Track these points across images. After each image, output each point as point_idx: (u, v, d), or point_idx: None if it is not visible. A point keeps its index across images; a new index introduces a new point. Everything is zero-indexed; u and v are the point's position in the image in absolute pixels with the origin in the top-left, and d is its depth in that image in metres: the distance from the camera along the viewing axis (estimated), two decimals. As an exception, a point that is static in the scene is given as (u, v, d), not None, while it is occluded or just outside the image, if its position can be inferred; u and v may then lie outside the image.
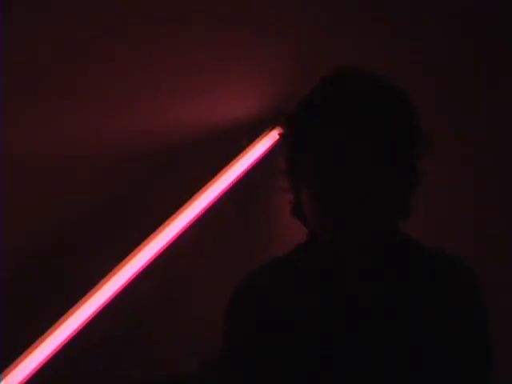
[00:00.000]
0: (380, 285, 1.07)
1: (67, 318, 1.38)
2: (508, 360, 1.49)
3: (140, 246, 1.50)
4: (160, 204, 1.60)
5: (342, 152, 0.99)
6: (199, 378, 1.61)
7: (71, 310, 1.39)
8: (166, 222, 1.55)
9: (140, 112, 1.64)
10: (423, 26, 1.93)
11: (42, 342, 1.34)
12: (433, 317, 1.05)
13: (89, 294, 1.42)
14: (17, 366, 1.30)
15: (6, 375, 1.29)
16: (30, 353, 1.32)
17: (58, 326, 1.36)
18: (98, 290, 1.42)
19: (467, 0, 1.96)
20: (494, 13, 1.98)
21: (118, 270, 1.46)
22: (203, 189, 1.61)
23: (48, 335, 1.35)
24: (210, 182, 1.62)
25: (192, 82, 1.69)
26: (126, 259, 1.48)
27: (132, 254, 1.49)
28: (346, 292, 1.07)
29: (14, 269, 1.48)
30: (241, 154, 1.69)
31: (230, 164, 1.66)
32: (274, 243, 1.79)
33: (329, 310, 1.06)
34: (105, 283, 1.43)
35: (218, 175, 1.64)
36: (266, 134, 1.72)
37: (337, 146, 0.99)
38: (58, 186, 1.55)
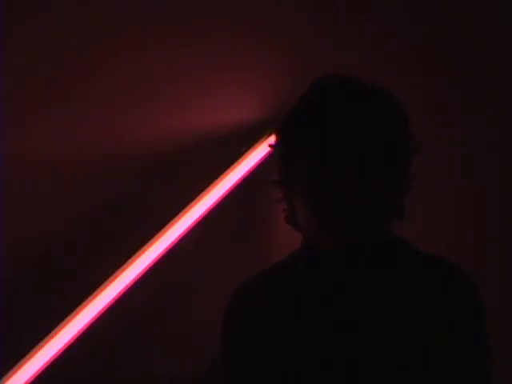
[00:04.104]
0: (379, 288, 1.07)
1: (67, 323, 1.38)
2: (508, 360, 1.49)
3: (138, 253, 1.50)
4: (159, 210, 1.60)
5: (332, 161, 0.99)
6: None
7: (71, 314, 1.39)
8: (165, 228, 1.54)
9: (139, 118, 1.63)
10: (423, 26, 1.93)
11: (41, 347, 1.33)
12: (430, 320, 1.05)
13: (89, 297, 1.42)
14: (15, 372, 1.30)
15: (5, 381, 1.29)
16: (29, 359, 1.31)
17: (58, 331, 1.36)
18: (98, 294, 1.42)
19: (467, 0, 1.96)
20: (494, 12, 1.98)
21: (118, 274, 1.46)
22: (202, 194, 1.61)
23: (47, 340, 1.34)
24: (210, 187, 1.62)
25: (190, 89, 1.69)
26: (125, 264, 1.48)
27: (130, 260, 1.49)
28: (346, 295, 1.07)
29: (14, 270, 1.48)
30: (240, 159, 1.68)
31: (229, 169, 1.66)
32: (271, 249, 1.79)
33: (327, 314, 1.06)
34: (105, 287, 1.43)
35: (217, 180, 1.64)
36: (265, 140, 1.71)
37: (325, 156, 0.99)
38: (58, 187, 1.55)
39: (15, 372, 1.30)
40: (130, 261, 1.48)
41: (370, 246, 1.05)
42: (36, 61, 1.51)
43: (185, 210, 1.58)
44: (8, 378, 1.29)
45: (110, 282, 1.45)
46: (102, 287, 1.44)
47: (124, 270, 1.47)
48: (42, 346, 1.33)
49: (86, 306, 1.41)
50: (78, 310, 1.40)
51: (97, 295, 1.42)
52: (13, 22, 1.47)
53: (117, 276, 1.46)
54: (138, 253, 1.50)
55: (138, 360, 1.61)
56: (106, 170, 1.60)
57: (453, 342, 1.05)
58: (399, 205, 1.08)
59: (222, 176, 1.65)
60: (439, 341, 1.04)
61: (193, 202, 1.60)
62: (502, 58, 1.99)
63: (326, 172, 0.99)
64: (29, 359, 1.31)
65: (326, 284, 1.08)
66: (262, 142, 1.72)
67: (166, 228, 1.55)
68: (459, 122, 1.96)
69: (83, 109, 1.57)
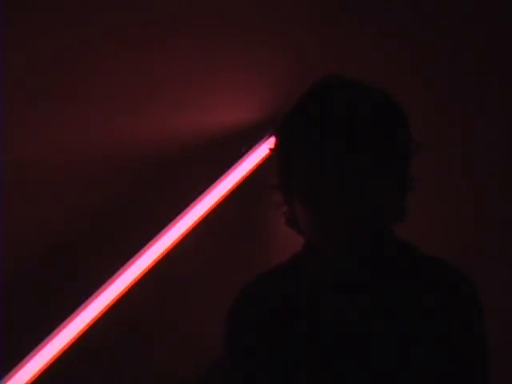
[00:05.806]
0: (379, 288, 1.07)
1: (68, 323, 1.38)
2: (508, 360, 1.49)
3: (138, 253, 1.50)
4: (159, 210, 1.60)
5: (332, 164, 0.99)
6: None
7: (71, 314, 1.39)
8: (165, 228, 1.54)
9: (139, 118, 1.63)
10: (423, 26, 1.93)
11: (42, 347, 1.33)
12: (430, 321, 1.05)
13: (89, 298, 1.42)
14: (15, 372, 1.30)
15: (6, 381, 1.29)
16: (29, 359, 1.31)
17: (58, 331, 1.36)
18: (99, 294, 1.42)
19: (467, 0, 1.96)
20: (494, 12, 1.98)
21: (118, 275, 1.46)
22: (202, 194, 1.61)
23: (48, 340, 1.34)
24: (210, 188, 1.62)
25: (190, 89, 1.69)
26: (125, 265, 1.48)
27: (130, 260, 1.49)
28: (346, 295, 1.07)
29: (14, 270, 1.48)
30: (240, 160, 1.69)
31: (229, 170, 1.66)
32: (271, 249, 1.79)
33: (327, 314, 1.06)
34: (105, 288, 1.43)
35: (218, 181, 1.64)
36: (265, 140, 1.71)
37: (325, 159, 0.99)
38: (58, 187, 1.55)
39: (15, 372, 1.30)
40: (130, 261, 1.48)
41: (369, 246, 1.05)
42: (36, 61, 1.51)
43: (185, 210, 1.58)
44: (8, 378, 1.29)
45: (111, 283, 1.45)
46: (102, 287, 1.44)
47: (124, 271, 1.47)
48: (42, 346, 1.33)
49: (86, 306, 1.41)
50: (78, 310, 1.40)
51: (97, 295, 1.42)
52: (13, 22, 1.47)
53: (117, 276, 1.46)
54: (138, 253, 1.50)
55: (138, 360, 1.61)
56: (105, 170, 1.60)
57: (452, 342, 1.05)
58: (399, 205, 1.08)
59: (222, 176, 1.65)
60: (439, 341, 1.04)
61: (193, 203, 1.60)
62: (502, 58, 1.99)
63: (324, 172, 0.99)
64: (29, 359, 1.32)
65: (326, 284, 1.08)
66: (262, 142, 1.72)
67: (166, 228, 1.55)
68: (459, 121, 1.96)
69: (83, 109, 1.57)
